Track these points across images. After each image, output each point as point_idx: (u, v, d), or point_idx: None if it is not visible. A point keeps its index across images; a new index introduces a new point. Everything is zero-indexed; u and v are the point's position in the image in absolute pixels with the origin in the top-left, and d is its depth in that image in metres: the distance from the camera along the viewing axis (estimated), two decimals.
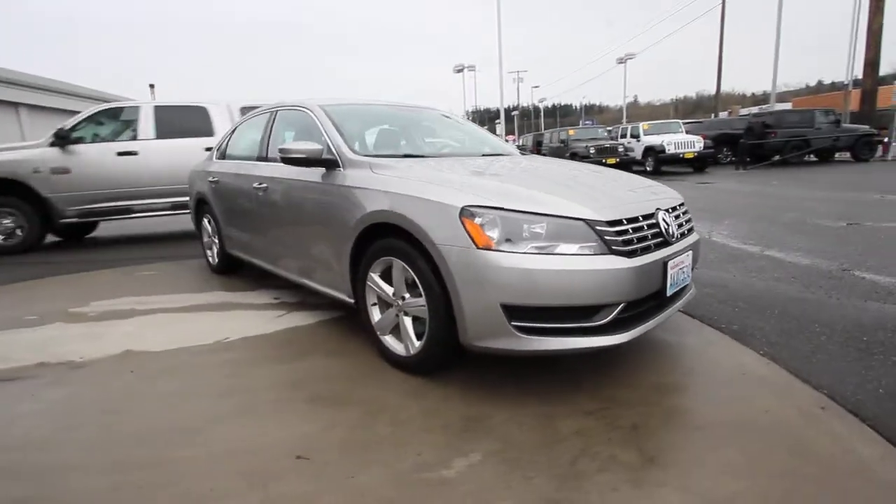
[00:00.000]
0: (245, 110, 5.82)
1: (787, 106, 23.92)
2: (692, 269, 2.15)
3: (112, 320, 2.91)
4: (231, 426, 1.71)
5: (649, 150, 14.06)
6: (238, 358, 2.31)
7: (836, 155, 14.21)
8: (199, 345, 2.47)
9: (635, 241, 1.78)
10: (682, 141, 13.49)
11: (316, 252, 2.55)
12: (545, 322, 1.68)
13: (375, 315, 2.18)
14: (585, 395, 1.85)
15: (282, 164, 2.67)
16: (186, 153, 5.48)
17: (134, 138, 5.54)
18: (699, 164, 13.74)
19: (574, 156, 12.93)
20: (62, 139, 5.28)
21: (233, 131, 3.84)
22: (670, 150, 13.39)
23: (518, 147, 7.93)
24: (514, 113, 53.56)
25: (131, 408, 1.88)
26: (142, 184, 5.52)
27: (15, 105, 16.35)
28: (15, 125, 16.31)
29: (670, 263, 1.87)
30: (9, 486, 1.43)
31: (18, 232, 5.29)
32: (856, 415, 1.65)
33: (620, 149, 13.77)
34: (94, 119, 5.57)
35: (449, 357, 1.95)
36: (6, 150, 5.34)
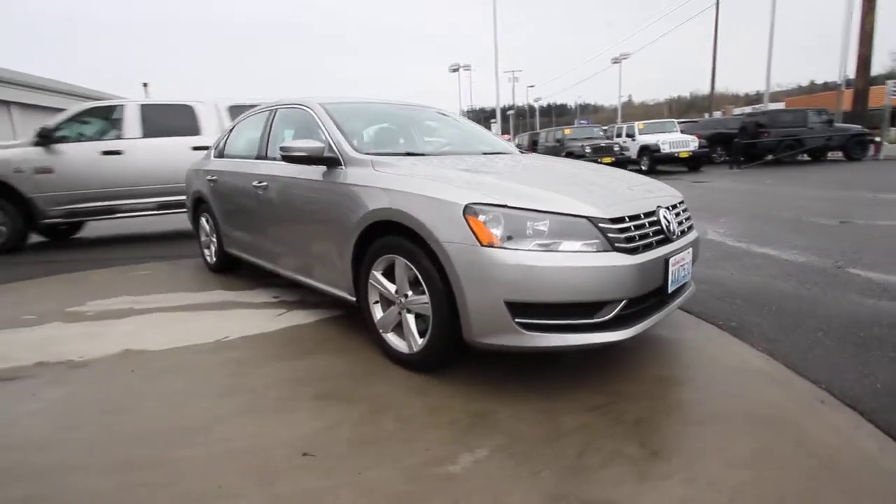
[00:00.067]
0: (233, 109, 5.77)
1: (780, 106, 24.13)
2: (692, 266, 2.17)
3: (110, 320, 2.89)
4: (235, 425, 1.70)
5: (645, 150, 14.13)
6: (239, 357, 2.30)
7: (829, 154, 14.34)
8: (199, 344, 2.46)
9: (637, 238, 1.79)
10: (677, 140, 13.57)
11: (317, 250, 2.55)
12: (549, 319, 1.69)
13: (378, 313, 2.18)
14: (588, 390, 1.86)
15: (282, 163, 2.67)
16: (172, 152, 5.44)
17: (119, 137, 5.45)
18: (694, 163, 13.83)
19: (570, 155, 12.98)
20: (45, 138, 5.20)
21: (231, 130, 3.82)
22: (665, 149, 13.46)
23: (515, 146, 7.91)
24: (509, 112, 53.65)
25: (133, 407, 1.87)
26: (127, 183, 5.43)
27: (7, 104, 16.20)
28: (7, 124, 16.17)
29: (671, 260, 1.88)
30: (10, 486, 1.42)
31: (3, 229, 5.21)
32: (854, 408, 1.68)
33: (616, 148, 13.81)
34: (78, 118, 5.49)
35: (452, 354, 1.95)
36: None
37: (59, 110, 6.37)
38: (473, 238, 1.70)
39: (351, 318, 2.74)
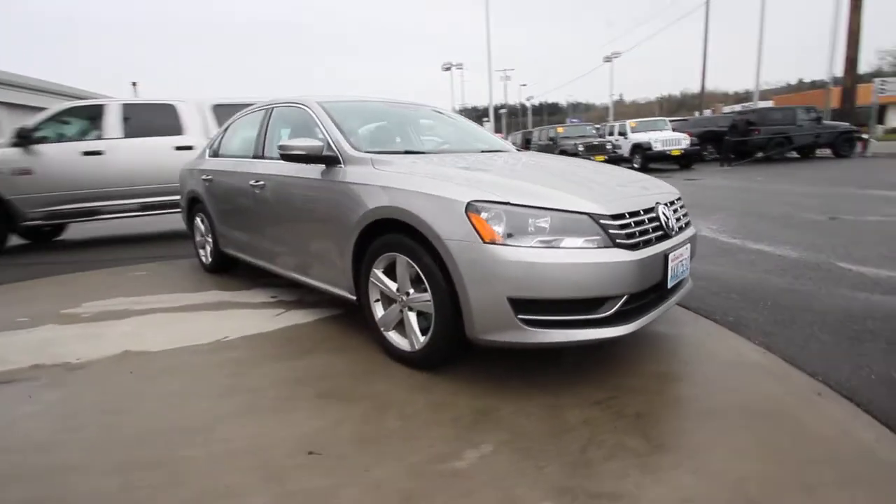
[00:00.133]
0: (217, 108, 5.69)
1: (770, 104, 24.40)
2: (689, 262, 2.19)
3: (107, 321, 2.86)
4: (237, 424, 1.70)
5: (637, 148, 14.23)
6: (239, 357, 2.29)
7: (818, 151, 14.53)
8: (198, 344, 2.44)
9: (638, 234, 1.81)
10: (668, 138, 13.68)
11: (316, 249, 2.54)
12: (551, 315, 1.70)
13: (379, 311, 2.18)
14: (590, 385, 1.87)
15: (279, 161, 2.65)
16: (155, 152, 5.36)
17: (100, 137, 5.34)
18: (685, 161, 13.94)
19: (563, 153, 13.05)
20: (24, 139, 5.08)
21: (226, 129, 3.79)
22: (657, 147, 13.57)
23: None
24: (502, 111, 53.72)
25: (132, 408, 1.85)
26: (109, 184, 5.32)
27: None
28: None
29: (671, 256, 1.90)
30: (11, 487, 1.41)
31: None
32: (851, 400, 1.71)
33: (609, 146, 13.92)
34: (58, 118, 5.37)
35: (454, 351, 1.96)
36: None
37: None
38: (476, 235, 1.70)
39: (350, 316, 2.73)
